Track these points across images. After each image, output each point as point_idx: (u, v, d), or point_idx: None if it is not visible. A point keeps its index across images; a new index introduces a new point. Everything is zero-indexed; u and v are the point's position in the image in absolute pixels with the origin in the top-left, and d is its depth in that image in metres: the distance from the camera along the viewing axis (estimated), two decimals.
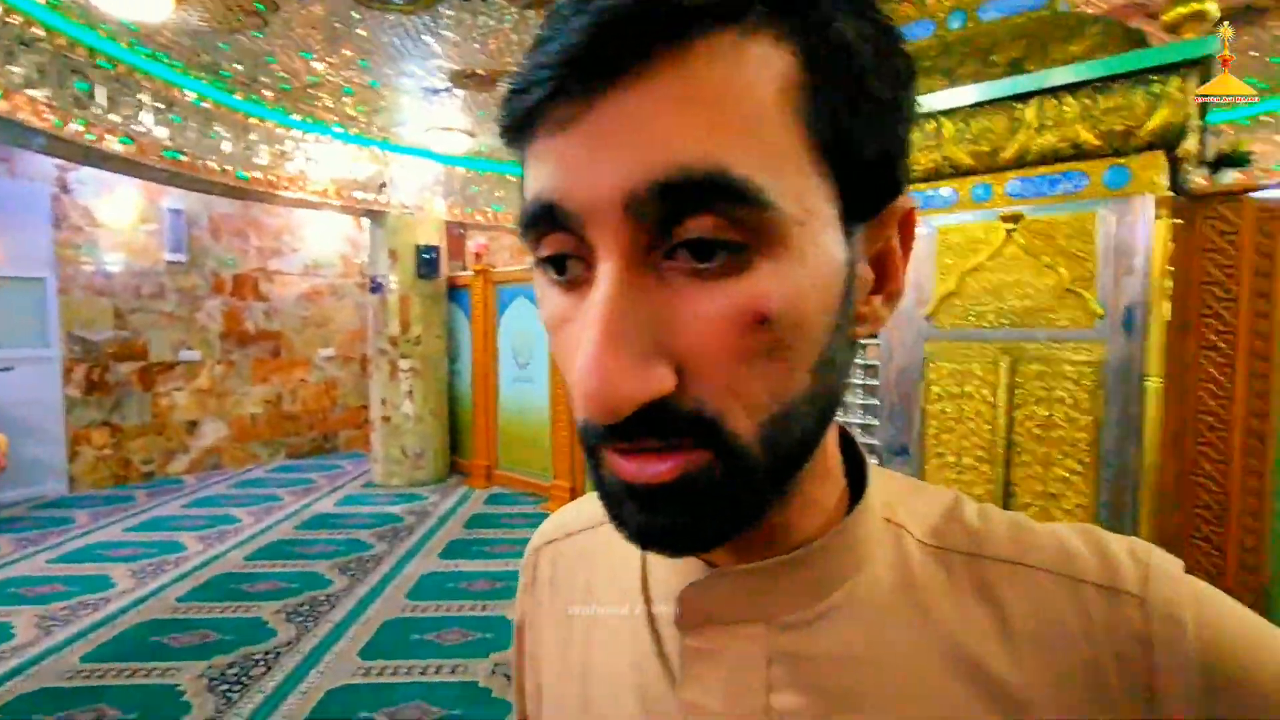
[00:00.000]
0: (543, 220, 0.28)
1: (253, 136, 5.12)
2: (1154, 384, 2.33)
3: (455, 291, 6.66)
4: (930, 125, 2.61)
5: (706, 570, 0.36)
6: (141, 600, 3.63)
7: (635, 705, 0.37)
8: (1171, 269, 2.73)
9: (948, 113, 2.56)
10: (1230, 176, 2.89)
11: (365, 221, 6.35)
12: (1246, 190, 2.76)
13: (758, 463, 0.28)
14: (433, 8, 3.54)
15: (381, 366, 6.28)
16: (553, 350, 0.32)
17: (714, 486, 0.28)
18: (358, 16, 3.66)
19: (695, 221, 0.26)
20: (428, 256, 6.24)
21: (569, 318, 0.30)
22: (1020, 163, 2.43)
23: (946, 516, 0.36)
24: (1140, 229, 2.32)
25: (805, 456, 0.31)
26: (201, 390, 6.93)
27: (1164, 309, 2.43)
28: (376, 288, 6.24)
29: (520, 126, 0.29)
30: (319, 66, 4.32)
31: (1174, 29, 2.19)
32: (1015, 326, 2.53)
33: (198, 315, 6.88)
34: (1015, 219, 2.48)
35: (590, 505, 0.48)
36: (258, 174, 5.16)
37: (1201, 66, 2.18)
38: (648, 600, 0.39)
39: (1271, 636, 0.30)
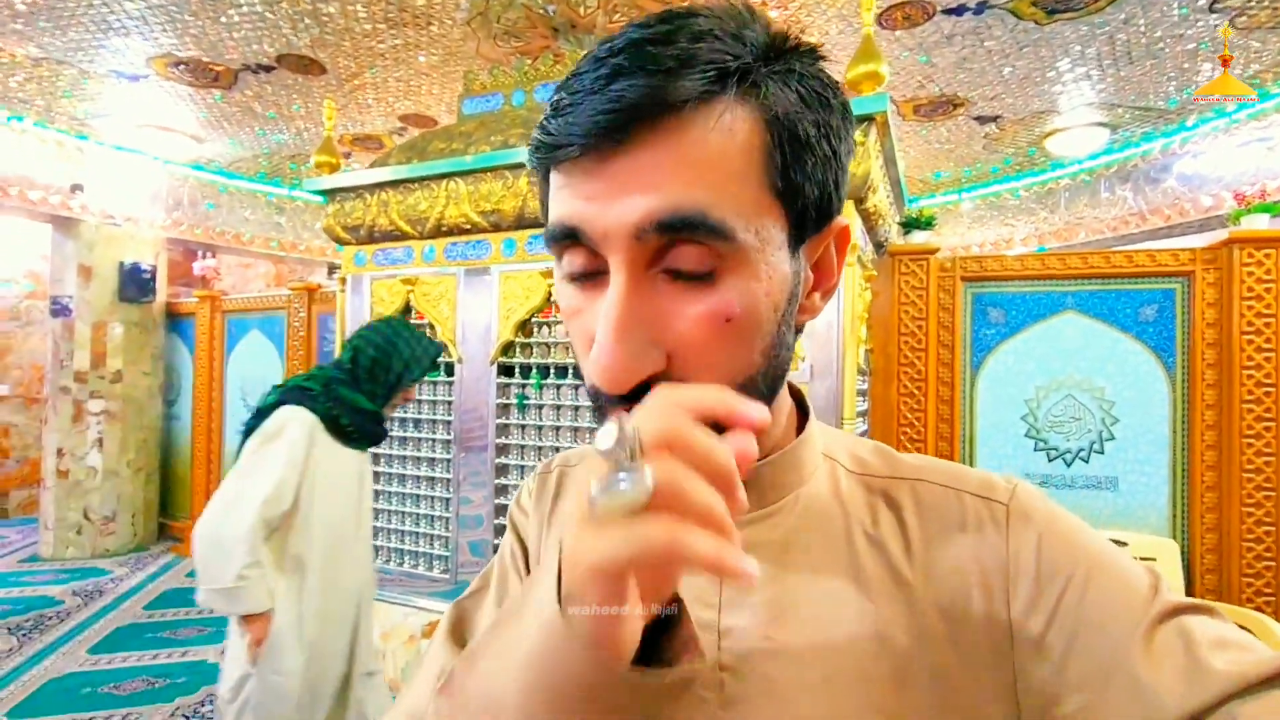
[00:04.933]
0: (566, 238, 0.39)
1: None
2: (848, 428, 2.37)
3: (177, 321, 5.62)
4: None
5: None
6: None
7: None
8: (867, 318, 2.89)
9: None
10: (920, 238, 3.16)
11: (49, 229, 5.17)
12: (930, 251, 3.03)
13: None
14: None
15: (62, 409, 5.04)
16: (569, 335, 0.43)
17: None
18: None
19: (685, 247, 0.36)
20: (139, 277, 5.20)
21: (582, 309, 0.40)
22: None
23: (866, 453, 0.49)
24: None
25: (766, 403, 0.41)
26: None
27: (857, 354, 2.52)
28: (59, 310, 5.05)
29: (548, 166, 0.40)
30: None
31: (854, 86, 2.31)
32: None
33: None
34: None
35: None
36: None
37: (879, 121, 2.31)
38: None
39: (1080, 527, 0.43)
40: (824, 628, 0.42)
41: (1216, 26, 3.25)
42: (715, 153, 0.36)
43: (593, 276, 0.39)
